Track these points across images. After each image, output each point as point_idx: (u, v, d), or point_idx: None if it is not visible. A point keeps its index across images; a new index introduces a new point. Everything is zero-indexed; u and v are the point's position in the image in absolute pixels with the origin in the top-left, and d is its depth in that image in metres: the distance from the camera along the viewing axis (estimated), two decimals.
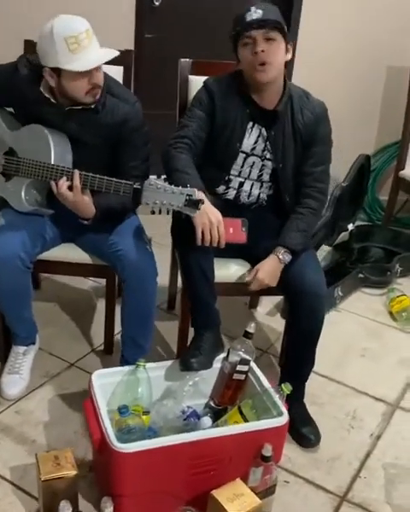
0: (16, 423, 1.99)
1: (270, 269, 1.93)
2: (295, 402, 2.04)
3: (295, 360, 2.04)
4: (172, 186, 1.66)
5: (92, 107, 1.91)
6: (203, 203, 1.67)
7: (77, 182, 1.82)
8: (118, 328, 2.17)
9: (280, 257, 1.92)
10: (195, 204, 1.65)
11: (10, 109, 2.06)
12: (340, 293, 2.81)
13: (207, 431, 1.66)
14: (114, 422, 1.64)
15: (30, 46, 2.22)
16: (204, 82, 2.03)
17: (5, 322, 2.12)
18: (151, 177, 1.70)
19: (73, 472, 1.60)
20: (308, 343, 1.99)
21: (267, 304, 2.79)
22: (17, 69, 1.93)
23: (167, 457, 1.56)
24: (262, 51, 1.82)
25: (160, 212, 1.72)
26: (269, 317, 2.73)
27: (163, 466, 1.57)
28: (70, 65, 1.76)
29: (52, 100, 1.91)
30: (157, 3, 3.23)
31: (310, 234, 2.06)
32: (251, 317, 2.72)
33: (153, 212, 1.73)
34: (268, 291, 2.13)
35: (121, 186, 1.79)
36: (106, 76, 1.95)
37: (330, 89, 3.52)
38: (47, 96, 1.90)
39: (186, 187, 1.74)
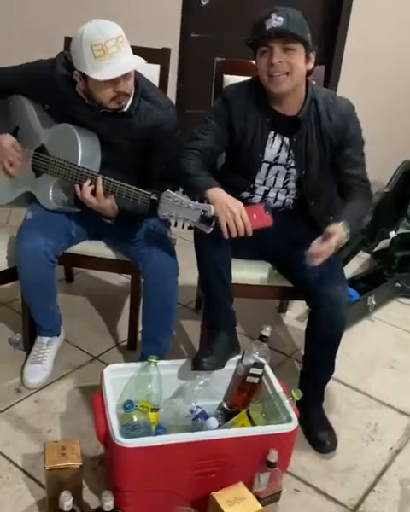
0: (34, 412, 2.03)
1: (340, 238, 1.78)
2: (314, 407, 2.01)
3: (314, 365, 2.00)
4: (189, 200, 1.65)
5: (125, 110, 1.92)
6: (217, 219, 1.66)
7: (100, 189, 1.84)
8: None
9: (342, 226, 1.78)
10: (209, 221, 1.64)
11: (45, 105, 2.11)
12: (374, 301, 2.74)
13: (211, 432, 1.65)
14: (120, 417, 1.64)
15: (70, 43, 2.27)
16: (223, 90, 2.01)
17: (31, 313, 2.17)
18: (168, 189, 1.70)
19: (78, 463, 1.61)
20: (328, 349, 1.95)
21: (298, 308, 2.75)
22: (55, 66, 1.95)
23: (169, 456, 1.56)
24: (279, 62, 1.76)
25: (175, 225, 1.72)
26: (298, 321, 2.68)
27: (165, 464, 1.57)
28: (94, 72, 1.76)
29: (87, 101, 1.92)
30: (204, 3, 3.23)
31: (362, 225, 2.09)
32: (280, 321, 2.69)
33: (169, 224, 1.73)
34: (289, 294, 2.11)
35: (140, 195, 1.79)
36: (141, 79, 1.96)
37: (378, 93, 3.47)
38: (82, 97, 1.92)
39: (200, 187, 1.76)
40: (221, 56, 2.26)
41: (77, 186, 1.88)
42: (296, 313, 2.74)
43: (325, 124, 1.90)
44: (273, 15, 1.74)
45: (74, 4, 2.97)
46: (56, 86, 1.94)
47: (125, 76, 1.80)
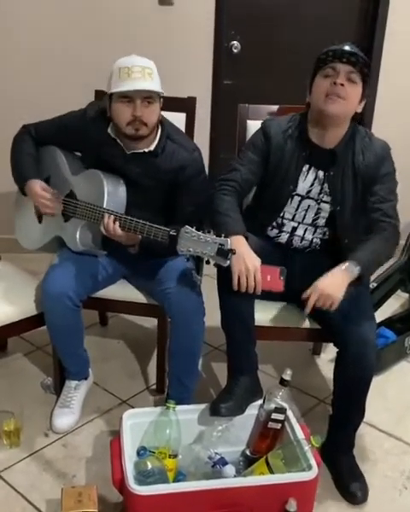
0: (61, 457, 2.04)
1: (333, 278, 1.77)
2: (343, 454, 1.95)
3: (343, 409, 1.94)
4: (207, 234, 1.68)
5: (152, 149, 1.99)
6: (234, 253, 1.67)
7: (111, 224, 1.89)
8: None
9: (345, 266, 1.78)
10: (225, 254, 1.66)
11: (78, 153, 2.20)
12: None
13: (227, 480, 1.62)
14: (136, 464, 1.63)
15: (100, 95, 2.38)
16: (262, 123, 2.04)
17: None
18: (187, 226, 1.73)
19: (94, 510, 1.61)
20: (357, 391, 1.89)
21: (332, 350, 2.66)
22: (86, 113, 2.07)
23: (183, 504, 1.54)
24: (341, 85, 1.80)
25: (194, 259, 1.74)
26: (332, 363, 2.61)
27: None
28: (112, 89, 1.88)
29: (118, 141, 2.01)
30: (236, 50, 3.31)
31: (381, 260, 1.90)
32: (313, 363, 2.63)
33: (188, 259, 1.76)
34: (318, 335, 2.07)
35: (160, 232, 1.82)
36: (167, 123, 2.04)
37: None
38: (113, 137, 2.01)
39: (225, 230, 1.77)
40: (252, 103, 2.32)
41: (102, 225, 1.92)
42: (331, 355, 2.66)
43: (358, 161, 1.91)
44: (346, 47, 1.81)
45: (108, 58, 3.10)
46: (88, 131, 2.04)
47: (146, 104, 1.89)
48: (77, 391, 2.22)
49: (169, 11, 3.08)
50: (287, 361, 1.88)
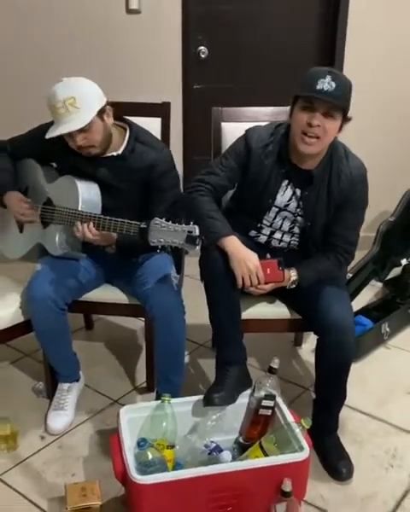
0: (58, 457, 2.09)
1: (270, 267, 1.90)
2: (328, 436, 2.04)
3: (326, 393, 2.04)
4: (176, 224, 1.74)
5: (120, 153, 2.06)
6: (203, 239, 1.74)
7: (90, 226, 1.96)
8: None
9: (287, 274, 1.94)
10: (193, 240, 1.72)
11: (53, 164, 2.25)
12: (387, 329, 2.76)
13: (224, 465, 1.69)
14: (136, 456, 1.70)
15: None
16: (246, 131, 2.04)
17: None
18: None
19: (98, 503, 1.67)
20: (338, 376, 1.98)
21: (313, 341, 2.76)
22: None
23: (185, 490, 1.60)
24: (317, 126, 1.80)
25: (164, 249, 1.81)
26: (313, 353, 2.71)
27: (181, 499, 1.61)
28: (49, 131, 1.95)
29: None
30: (204, 56, 3.40)
31: (323, 278, 2.00)
32: (296, 355, 2.73)
33: (158, 249, 1.81)
34: (300, 325, 2.16)
35: (131, 226, 1.88)
36: (134, 125, 2.10)
37: (381, 122, 3.56)
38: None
39: (216, 233, 1.88)
40: (222, 105, 2.38)
41: (75, 228, 1.97)
42: (311, 346, 2.75)
43: (334, 185, 1.95)
44: (328, 78, 1.75)
45: (80, 67, 3.16)
46: (56, 143, 2.06)
47: (80, 132, 1.93)
48: (69, 393, 2.27)
49: (137, 19, 3.15)
50: (270, 353, 1.96)
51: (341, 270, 2.08)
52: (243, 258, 1.85)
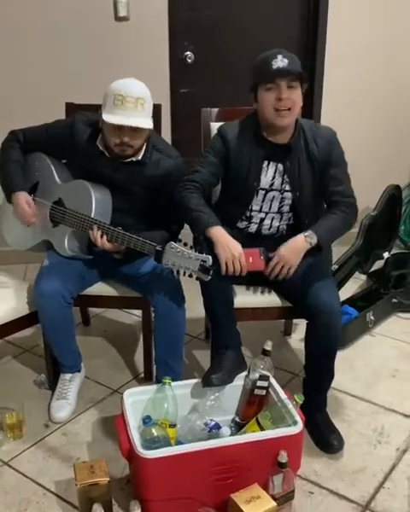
0: (63, 443, 2.19)
1: (294, 244, 2.01)
2: (318, 412, 2.17)
3: (315, 374, 2.16)
4: (191, 251, 1.87)
5: (139, 159, 2.16)
6: (215, 269, 1.88)
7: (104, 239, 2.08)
8: None
9: (305, 234, 2.01)
10: (207, 270, 1.87)
11: (63, 160, 2.34)
12: (372, 317, 2.90)
13: (224, 439, 1.80)
14: (141, 433, 1.80)
15: (70, 108, 2.54)
16: (218, 129, 2.22)
17: (52, 353, 2.35)
18: (171, 242, 1.93)
19: (106, 479, 1.77)
20: (326, 357, 2.11)
21: (301, 330, 2.90)
22: (73, 124, 2.20)
23: (189, 464, 1.71)
24: (286, 98, 1.98)
25: (177, 273, 1.95)
26: (302, 342, 2.83)
27: (185, 472, 1.72)
28: (105, 113, 2.02)
29: (106, 153, 2.17)
30: (190, 61, 3.53)
31: (338, 234, 2.13)
32: (285, 343, 2.85)
33: (172, 272, 1.97)
34: (290, 312, 2.28)
35: (146, 246, 2.00)
36: (152, 134, 2.19)
37: (362, 120, 3.71)
38: (101, 149, 2.17)
39: (202, 224, 1.99)
40: (207, 107, 2.51)
41: (90, 232, 2.09)
42: (301, 335, 2.89)
43: (312, 148, 2.11)
44: (279, 57, 1.97)
45: (72, 72, 3.27)
46: (76, 142, 2.18)
47: (133, 130, 2.03)
48: (72, 383, 2.37)
49: (125, 26, 3.27)
50: (261, 343, 2.07)
51: (350, 224, 2.16)
52: (227, 244, 1.96)
